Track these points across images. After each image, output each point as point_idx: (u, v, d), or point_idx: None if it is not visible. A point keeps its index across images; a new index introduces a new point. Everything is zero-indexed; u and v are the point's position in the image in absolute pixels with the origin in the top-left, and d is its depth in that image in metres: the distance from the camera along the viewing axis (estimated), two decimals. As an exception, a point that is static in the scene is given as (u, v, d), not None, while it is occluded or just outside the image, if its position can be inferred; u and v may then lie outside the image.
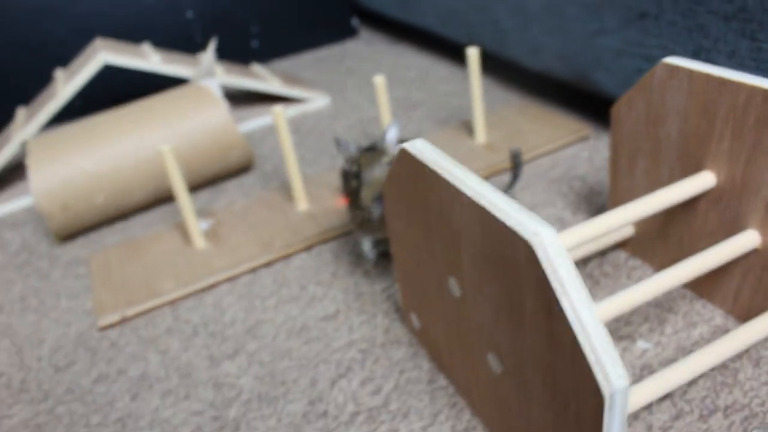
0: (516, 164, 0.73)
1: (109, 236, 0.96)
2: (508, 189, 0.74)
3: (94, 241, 0.96)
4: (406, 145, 0.49)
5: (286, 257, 0.81)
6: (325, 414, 0.59)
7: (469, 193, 0.42)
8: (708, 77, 0.54)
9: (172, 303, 0.77)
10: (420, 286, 0.57)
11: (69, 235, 0.96)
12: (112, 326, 0.77)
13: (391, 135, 0.67)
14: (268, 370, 0.65)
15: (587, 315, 0.36)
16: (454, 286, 0.50)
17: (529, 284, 0.39)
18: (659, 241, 0.66)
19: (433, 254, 0.51)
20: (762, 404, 0.53)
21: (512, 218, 0.39)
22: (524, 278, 0.39)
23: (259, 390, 0.63)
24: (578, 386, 0.38)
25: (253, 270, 0.80)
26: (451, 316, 0.53)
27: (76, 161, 0.91)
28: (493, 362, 0.48)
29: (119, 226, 0.98)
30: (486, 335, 0.47)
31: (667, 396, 0.55)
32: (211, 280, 0.78)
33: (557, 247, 0.37)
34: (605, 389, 0.35)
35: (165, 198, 1.01)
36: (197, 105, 0.96)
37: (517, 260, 0.39)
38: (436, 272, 0.52)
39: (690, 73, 0.55)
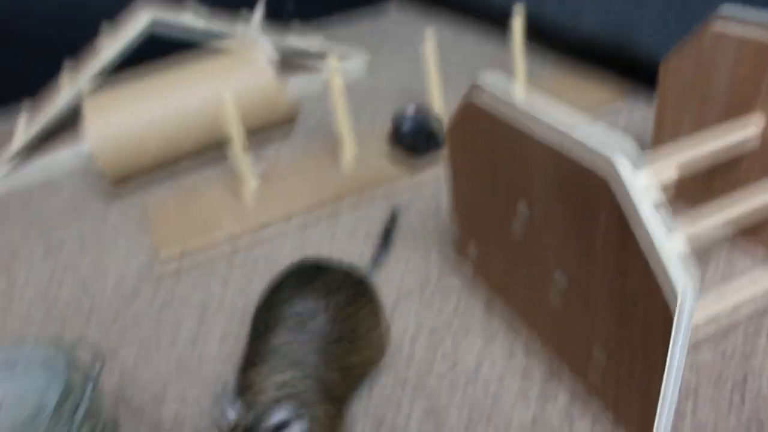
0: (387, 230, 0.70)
1: (162, 182, 1.00)
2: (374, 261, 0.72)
3: (146, 186, 1.00)
4: (478, 81, 0.53)
5: (337, 201, 0.85)
6: (391, 336, 0.63)
7: (544, 119, 0.46)
8: (761, 25, 0.57)
9: (229, 240, 0.81)
10: (481, 218, 0.61)
11: (122, 180, 1.00)
12: (172, 260, 0.80)
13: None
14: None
15: (659, 227, 0.40)
16: (523, 211, 0.54)
17: (603, 202, 0.42)
18: (702, 184, 0.69)
19: (500, 183, 0.55)
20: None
21: (588, 143, 0.42)
22: (599, 198, 0.43)
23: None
24: (648, 290, 0.41)
25: (306, 211, 0.84)
26: (516, 242, 0.56)
27: (130, 110, 0.95)
28: (559, 279, 0.52)
29: (170, 172, 1.02)
30: (554, 254, 0.51)
31: (714, 339, 0.59)
32: (266, 219, 0.82)
33: (629, 167, 0.40)
34: (678, 288, 0.39)
35: (213, 147, 1.04)
36: (245, 60, 1.00)
37: (591, 184, 0.43)
38: (503, 201, 0.56)
39: (743, 22, 0.58)
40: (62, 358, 0.45)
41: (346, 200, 0.84)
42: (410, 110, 0.88)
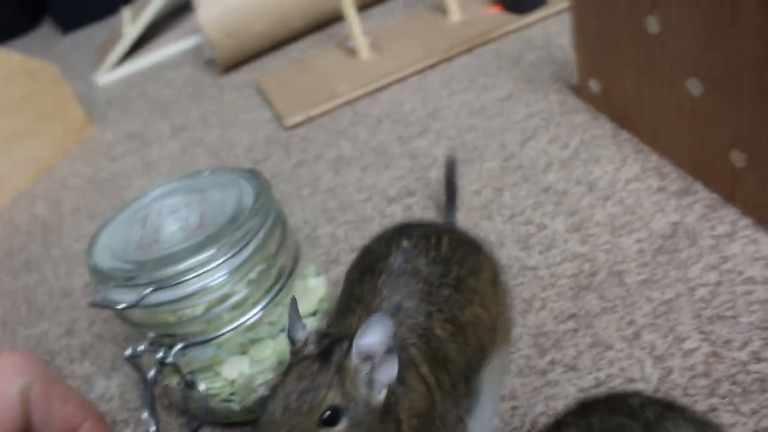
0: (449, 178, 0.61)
1: (272, 60, 1.04)
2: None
3: (257, 68, 1.04)
4: None
5: (449, 59, 0.87)
6: (521, 166, 0.66)
7: None
8: None
9: (349, 103, 0.85)
10: (605, 44, 0.63)
11: (233, 64, 1.05)
12: (297, 126, 0.85)
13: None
14: (458, 141, 0.72)
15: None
16: (652, 25, 0.55)
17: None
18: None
19: (628, 1, 0.56)
20: None
21: None
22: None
23: (455, 156, 0.70)
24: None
25: (420, 72, 0.87)
26: (646, 58, 0.58)
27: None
28: (693, 86, 0.54)
29: (280, 53, 1.06)
30: (688, 60, 0.53)
31: None
32: (383, 81, 0.85)
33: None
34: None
35: (320, 24, 1.07)
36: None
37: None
38: (630, 16, 0.57)
39: None
40: (243, 177, 0.50)
41: (457, 56, 0.87)
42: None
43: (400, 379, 0.36)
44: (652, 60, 0.57)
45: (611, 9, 0.60)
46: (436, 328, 0.40)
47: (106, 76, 1.18)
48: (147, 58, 1.19)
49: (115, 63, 1.19)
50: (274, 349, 0.49)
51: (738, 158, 0.52)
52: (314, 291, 0.52)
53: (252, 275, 0.45)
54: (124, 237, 0.48)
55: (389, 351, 0.34)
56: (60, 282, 0.73)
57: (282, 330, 0.50)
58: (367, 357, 0.35)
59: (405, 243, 0.42)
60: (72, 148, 1.00)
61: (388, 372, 0.35)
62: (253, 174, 0.49)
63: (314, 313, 0.51)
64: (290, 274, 0.48)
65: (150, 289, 0.42)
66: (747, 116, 0.50)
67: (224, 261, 0.43)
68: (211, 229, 0.45)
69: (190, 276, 0.42)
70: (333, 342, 0.36)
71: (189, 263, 0.42)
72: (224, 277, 0.44)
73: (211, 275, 0.43)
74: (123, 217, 0.50)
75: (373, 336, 0.34)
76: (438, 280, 0.41)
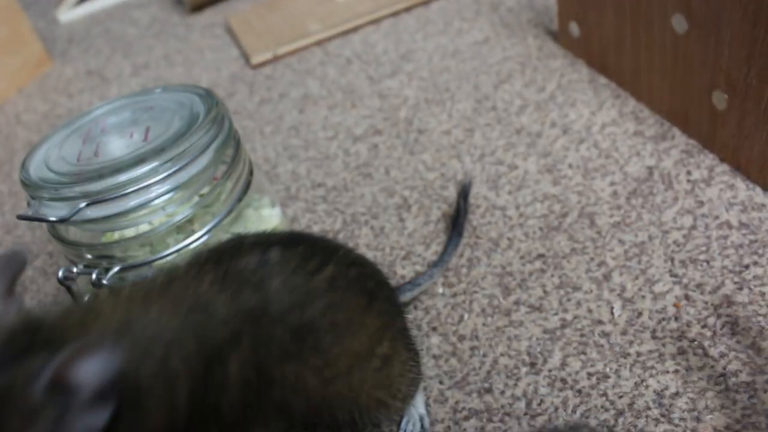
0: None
1: (242, 2, 0.99)
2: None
3: (227, 7, 0.99)
4: None
5: (426, 3, 0.84)
6: (494, 108, 0.63)
7: None
8: None
9: (319, 43, 0.81)
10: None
11: (202, 3, 1.00)
12: (264, 65, 0.81)
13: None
14: (430, 82, 0.69)
15: None
16: (639, -43, 0.52)
17: None
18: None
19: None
20: None
21: None
22: None
23: (425, 96, 0.67)
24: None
25: (395, 14, 0.83)
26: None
27: None
28: (678, 23, 0.51)
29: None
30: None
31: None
32: (356, 22, 0.82)
33: None
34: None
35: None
36: None
37: None
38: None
39: None
40: (196, 95, 0.46)
41: (434, 1, 0.83)
42: None
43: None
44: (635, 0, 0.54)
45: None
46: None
47: (69, 13, 1.13)
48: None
49: (77, 1, 1.13)
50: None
51: (719, 99, 0.50)
52: (268, 220, 0.49)
53: (198, 195, 0.42)
54: (62, 152, 0.44)
55: (102, 397, 0.24)
56: (5, 218, 0.69)
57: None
58: (67, 392, 0.23)
59: (274, 254, 0.33)
60: (28, 84, 0.95)
61: (87, 426, 0.24)
62: (206, 92, 0.46)
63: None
64: (240, 199, 0.45)
65: (84, 203, 0.38)
66: (731, 54, 0.47)
67: (167, 176, 0.40)
68: (156, 143, 0.42)
69: (128, 190, 0.39)
70: (33, 342, 0.24)
71: (127, 176, 0.39)
72: (167, 195, 0.40)
73: (152, 190, 0.40)
74: (64, 133, 0.47)
75: (88, 365, 0.23)
76: (281, 313, 0.31)
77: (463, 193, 0.51)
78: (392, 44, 0.77)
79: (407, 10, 0.83)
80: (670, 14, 0.52)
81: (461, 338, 0.45)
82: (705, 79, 0.51)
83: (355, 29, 0.82)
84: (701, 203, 0.49)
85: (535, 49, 0.69)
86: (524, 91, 0.64)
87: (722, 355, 0.41)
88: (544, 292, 0.46)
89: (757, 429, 0.37)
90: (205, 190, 0.43)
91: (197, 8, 1.00)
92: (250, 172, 0.47)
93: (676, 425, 0.38)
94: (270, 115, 0.71)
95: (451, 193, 0.55)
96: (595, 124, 0.58)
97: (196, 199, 0.42)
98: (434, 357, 0.44)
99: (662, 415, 0.38)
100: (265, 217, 0.49)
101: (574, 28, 0.65)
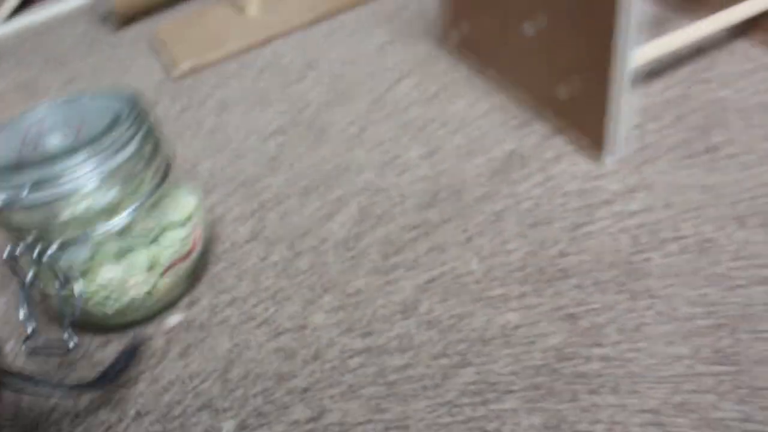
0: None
1: (166, 18, 1.07)
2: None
3: (152, 23, 1.07)
4: None
5: (331, 16, 0.93)
6: (386, 106, 0.73)
7: None
8: None
9: (235, 56, 0.90)
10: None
11: (128, 18, 1.08)
12: (185, 76, 0.89)
13: None
14: (332, 86, 0.79)
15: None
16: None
17: None
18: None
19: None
20: (733, 78, 0.67)
21: None
22: None
23: (327, 98, 0.77)
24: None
25: (303, 27, 0.92)
26: (493, 6, 0.65)
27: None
28: (529, 27, 0.62)
29: (175, 9, 1.09)
30: (526, 5, 0.61)
31: (662, 75, 0.69)
32: (268, 34, 0.91)
33: None
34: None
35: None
36: None
37: None
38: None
39: None
40: (121, 98, 0.54)
41: (339, 13, 0.93)
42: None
43: None
44: (498, 7, 0.65)
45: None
46: None
47: (-1, 32, 1.19)
48: (42, 12, 1.21)
49: (7, 16, 1.20)
50: (146, 256, 0.54)
51: (563, 91, 0.60)
52: (186, 202, 0.57)
53: (122, 182, 0.50)
54: (2, 151, 0.52)
55: None
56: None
57: (154, 240, 0.55)
58: None
59: None
60: (-38, 100, 1.01)
61: None
62: (129, 94, 0.54)
63: (189, 218, 0.56)
64: (159, 185, 0.53)
65: (26, 191, 0.47)
66: (568, 55, 0.57)
67: (97, 165, 0.48)
68: (87, 138, 0.50)
69: (64, 178, 0.47)
70: None
71: (63, 165, 0.47)
72: (97, 181, 0.48)
73: (84, 178, 0.48)
74: (3, 135, 0.54)
75: None
76: None
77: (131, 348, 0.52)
78: (300, 54, 0.86)
79: (314, 22, 0.92)
80: (523, 20, 0.62)
81: (348, 296, 0.54)
82: (552, 75, 0.61)
83: (267, 42, 0.91)
84: (550, 177, 0.60)
85: (424, 54, 0.79)
86: (412, 91, 0.74)
87: (554, 294, 0.51)
88: (417, 254, 0.56)
89: (577, 347, 0.47)
90: (129, 178, 0.51)
91: (123, 24, 1.08)
92: (169, 164, 0.56)
93: (515, 347, 0.48)
94: (190, 120, 0.80)
95: (345, 179, 0.64)
96: (469, 116, 0.68)
97: (121, 186, 0.51)
98: (325, 312, 0.53)
99: (505, 343, 0.48)
100: (182, 203, 0.58)
101: (455, 35, 0.75)
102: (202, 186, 0.68)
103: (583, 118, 0.59)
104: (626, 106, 0.56)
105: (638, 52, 0.59)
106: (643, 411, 0.44)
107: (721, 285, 0.49)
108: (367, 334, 0.51)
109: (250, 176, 0.68)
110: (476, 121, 0.67)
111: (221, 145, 0.73)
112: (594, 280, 0.51)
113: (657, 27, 0.76)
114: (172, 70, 0.88)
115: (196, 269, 0.58)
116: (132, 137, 0.50)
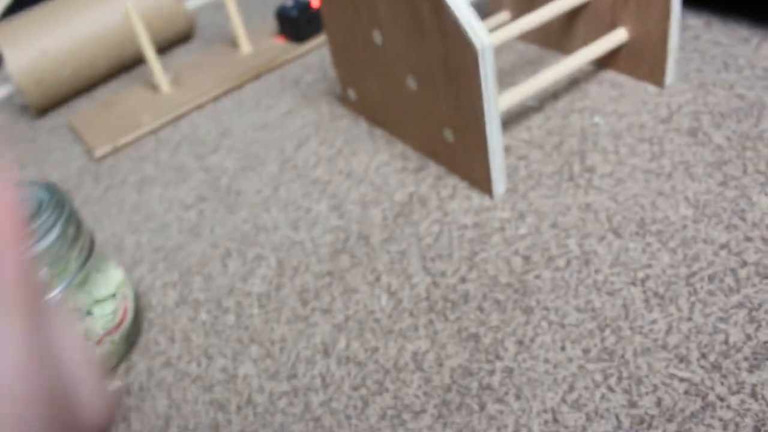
0: None
1: (83, 103, 1.12)
2: None
3: (69, 109, 1.12)
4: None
5: (240, 86, 0.99)
6: (295, 166, 0.79)
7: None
8: None
9: (153, 132, 0.95)
10: (351, 57, 0.77)
11: (46, 107, 1.12)
12: (106, 156, 0.94)
13: None
14: (244, 153, 0.84)
15: (460, 1, 0.56)
16: (377, 37, 0.70)
17: (424, 3, 0.59)
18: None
19: (359, 18, 0.71)
20: (603, 104, 0.75)
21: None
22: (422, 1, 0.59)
23: (242, 165, 0.82)
24: (463, 57, 0.58)
25: (215, 99, 0.98)
26: (378, 65, 0.72)
27: (42, 40, 1.06)
28: (411, 82, 0.68)
29: (91, 94, 1.14)
30: (404, 63, 0.67)
31: (541, 108, 0.76)
32: (182, 109, 0.96)
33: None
34: (477, 45, 0.56)
35: (127, 66, 1.16)
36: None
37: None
38: (362, 33, 0.71)
39: None
40: (42, 189, 0.59)
41: (247, 83, 0.99)
42: (290, 2, 1.02)
43: None
44: (381, 66, 0.71)
45: (348, 28, 0.74)
46: None
47: None
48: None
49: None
50: (80, 330, 0.58)
51: (449, 135, 0.67)
52: (113, 277, 0.61)
53: (49, 264, 0.54)
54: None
55: None
56: None
57: (86, 314, 0.59)
58: None
59: None
60: None
61: None
62: (49, 184, 0.59)
63: (113, 295, 0.60)
64: (84, 264, 0.58)
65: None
66: (447, 102, 0.64)
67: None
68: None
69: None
70: None
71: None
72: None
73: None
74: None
75: None
76: None
77: None
78: (214, 125, 0.92)
79: (225, 94, 0.98)
80: (405, 77, 0.69)
81: (273, 343, 0.59)
82: (438, 121, 0.68)
83: (182, 116, 0.96)
84: (447, 213, 0.66)
85: (327, 113, 0.86)
86: (319, 149, 0.79)
87: (457, 318, 0.56)
88: (332, 298, 0.61)
89: (481, 362, 0.52)
90: (55, 260, 0.55)
91: (41, 112, 1.12)
92: (92, 242, 0.60)
93: (426, 371, 0.53)
94: (114, 199, 0.84)
95: (262, 237, 0.69)
96: (371, 167, 0.74)
97: (48, 268, 0.55)
98: (253, 360, 0.58)
99: (417, 368, 0.54)
100: (110, 274, 0.62)
101: (352, 93, 0.82)
102: (130, 258, 0.72)
103: (470, 158, 0.65)
104: (498, 146, 0.62)
105: (501, 99, 0.66)
106: (544, 411, 0.49)
107: (602, 290, 0.56)
108: (292, 376, 0.55)
109: (175, 245, 0.72)
110: (378, 170, 0.73)
111: (145, 219, 0.77)
112: (492, 300, 0.57)
113: (534, 64, 0.84)
114: (94, 153, 0.92)
115: (130, 336, 0.62)
116: (54, 223, 0.55)
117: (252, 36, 1.09)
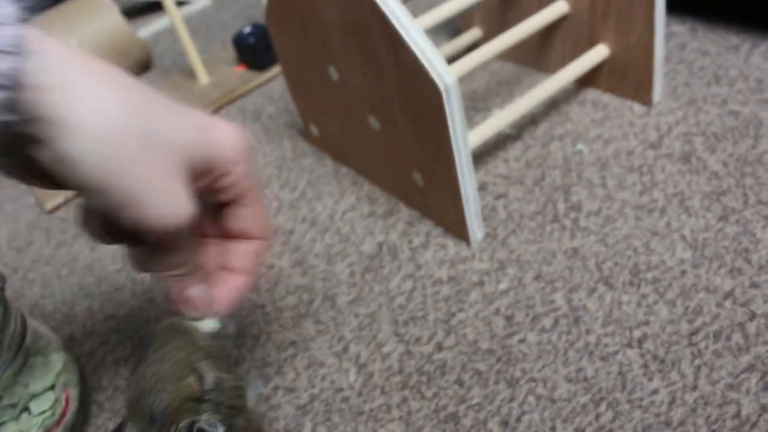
0: None
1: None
2: None
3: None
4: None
5: (199, 121, 0.92)
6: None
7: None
8: None
9: (107, 178, 0.88)
10: (309, 92, 0.70)
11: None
12: (58, 208, 0.87)
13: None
14: (202, 199, 0.77)
15: (418, 36, 0.50)
16: (333, 73, 0.63)
17: (380, 38, 0.52)
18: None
19: (312, 52, 0.64)
20: (586, 129, 0.69)
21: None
22: (376, 34, 0.52)
23: (198, 213, 0.75)
24: (425, 97, 0.52)
25: (172, 137, 0.91)
26: (337, 102, 0.66)
27: None
28: (373, 122, 0.62)
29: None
30: (364, 101, 0.61)
31: (518, 136, 0.70)
32: (137, 152, 0.89)
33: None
34: (440, 84, 0.50)
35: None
36: (91, 11, 1.05)
37: (369, 24, 0.52)
38: (318, 68, 0.65)
39: None
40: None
41: (211, 113, 0.92)
42: (248, 29, 0.96)
43: None
44: (340, 103, 0.65)
45: (303, 61, 0.67)
46: None
47: None
48: None
49: None
50: (16, 430, 0.52)
51: (419, 178, 0.60)
52: (53, 366, 0.55)
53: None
54: None
55: None
56: None
57: (23, 410, 0.52)
58: None
59: None
60: None
61: None
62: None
63: (52, 387, 0.54)
64: (15, 356, 0.51)
65: None
66: (414, 142, 0.58)
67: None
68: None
69: None
70: None
71: None
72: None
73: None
74: None
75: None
76: None
77: None
78: (169, 168, 0.85)
79: (183, 131, 0.91)
80: (367, 116, 0.62)
81: None
82: (405, 163, 0.61)
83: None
84: (420, 266, 0.59)
85: (289, 150, 0.79)
86: (280, 193, 0.73)
87: (435, 395, 0.50)
88: (296, 373, 0.54)
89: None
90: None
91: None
92: (24, 329, 0.53)
93: (399, 464, 0.46)
94: (66, 257, 0.77)
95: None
96: (337, 212, 0.68)
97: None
98: (209, 454, 0.51)
99: (390, 458, 0.47)
100: (51, 362, 0.56)
101: (314, 129, 0.75)
102: (81, 329, 0.66)
103: (442, 202, 0.59)
104: (472, 190, 0.56)
105: (472, 135, 0.60)
106: (536, 504, 0.43)
107: (595, 355, 0.49)
108: (252, 473, 0.49)
109: (128, 312, 0.66)
110: (344, 216, 0.66)
111: (98, 282, 0.71)
112: (472, 372, 0.50)
113: (510, 84, 0.78)
114: (45, 204, 0.86)
115: (76, 427, 0.55)
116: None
117: (210, 65, 1.03)
